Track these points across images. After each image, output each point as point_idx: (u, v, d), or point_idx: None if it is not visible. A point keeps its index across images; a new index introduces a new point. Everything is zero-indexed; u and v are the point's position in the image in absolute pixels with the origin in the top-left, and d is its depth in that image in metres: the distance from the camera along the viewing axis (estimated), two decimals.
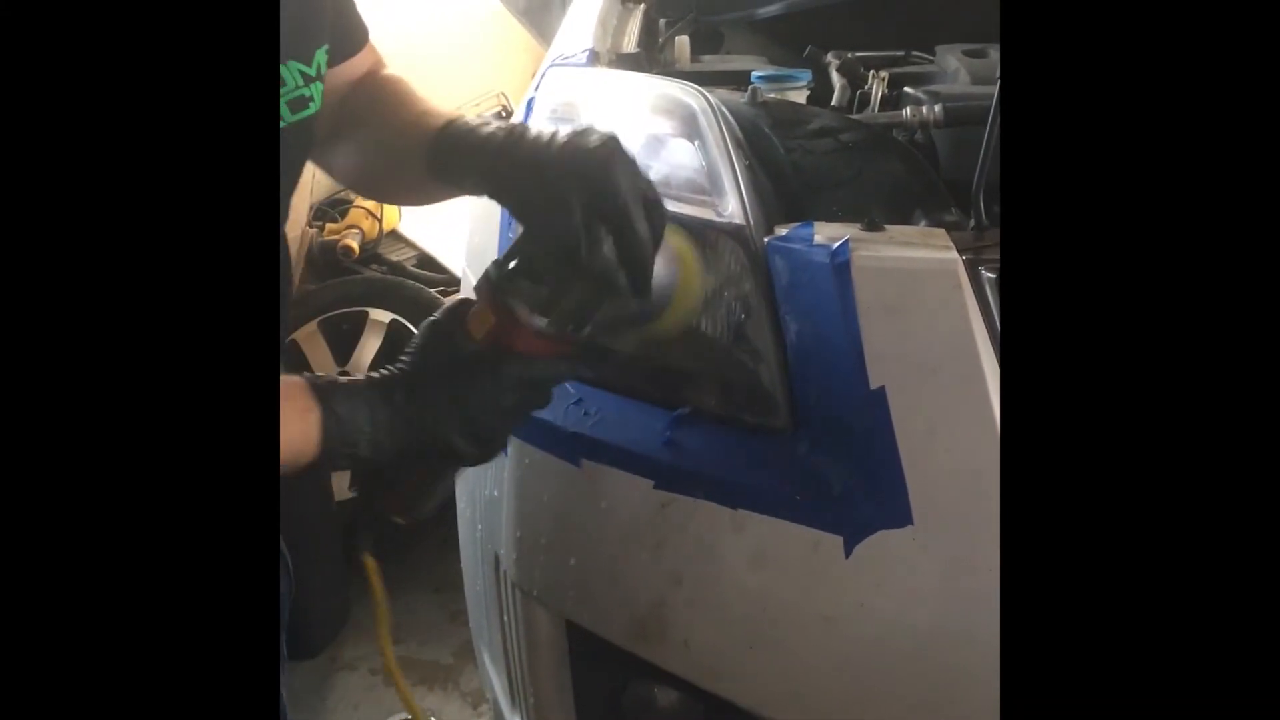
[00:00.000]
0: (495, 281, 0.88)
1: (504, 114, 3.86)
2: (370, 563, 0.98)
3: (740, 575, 1.00)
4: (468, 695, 2.14)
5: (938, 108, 1.29)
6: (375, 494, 0.93)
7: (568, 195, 0.82)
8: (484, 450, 0.90)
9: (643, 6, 1.78)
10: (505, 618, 1.22)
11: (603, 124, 0.89)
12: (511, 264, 0.89)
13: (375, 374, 0.88)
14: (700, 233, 1.04)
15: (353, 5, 1.04)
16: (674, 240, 0.94)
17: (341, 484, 2.28)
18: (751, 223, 1.06)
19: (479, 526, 1.30)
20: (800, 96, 1.44)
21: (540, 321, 0.87)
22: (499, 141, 0.89)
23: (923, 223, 1.10)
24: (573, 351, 0.90)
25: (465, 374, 0.87)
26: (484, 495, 1.25)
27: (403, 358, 0.90)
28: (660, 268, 0.90)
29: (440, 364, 0.88)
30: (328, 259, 2.81)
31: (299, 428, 0.82)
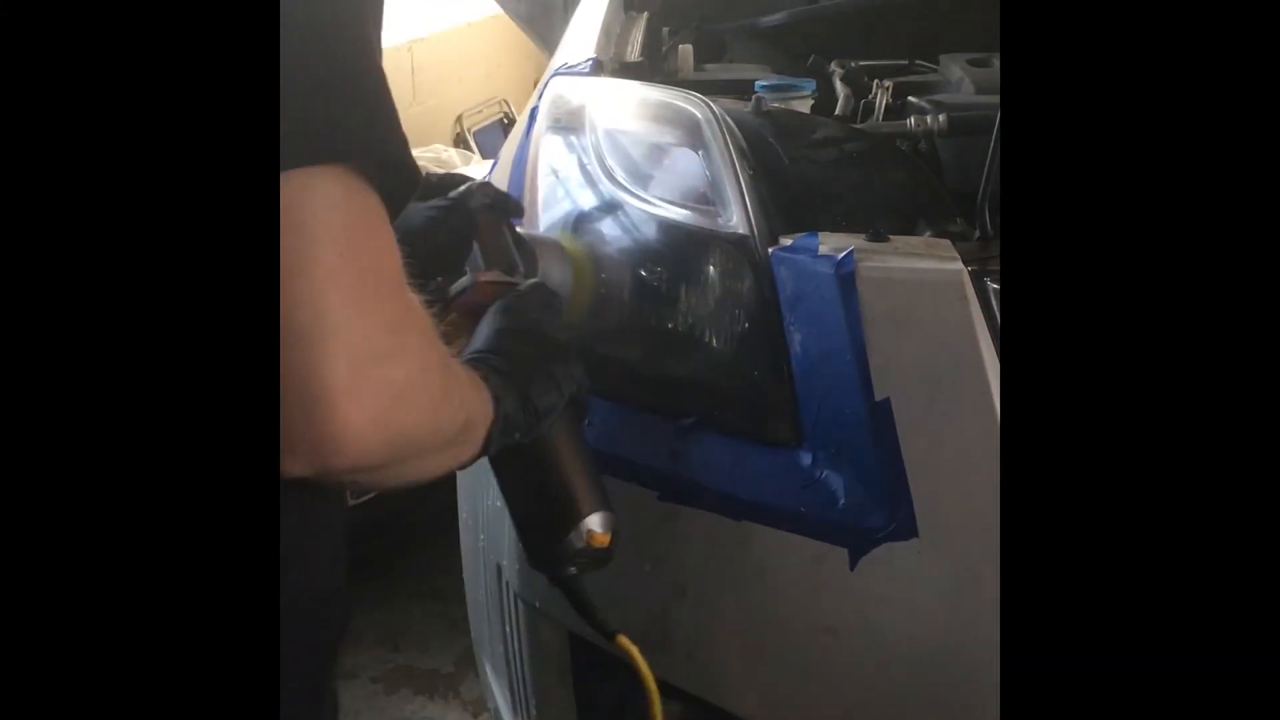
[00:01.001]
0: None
1: (506, 120, 3.86)
2: (628, 644, 0.93)
3: (744, 587, 1.00)
4: (469, 704, 2.14)
5: (942, 117, 1.29)
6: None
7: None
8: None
9: (646, 15, 1.78)
10: (508, 628, 1.22)
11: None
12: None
13: (496, 360, 0.87)
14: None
15: None
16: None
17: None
18: (756, 233, 1.05)
19: (481, 536, 1.29)
20: (804, 106, 1.43)
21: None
22: None
23: (927, 233, 1.10)
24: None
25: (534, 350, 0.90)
26: (487, 505, 1.25)
27: (491, 345, 0.89)
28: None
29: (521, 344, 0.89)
30: None
31: (481, 402, 0.81)
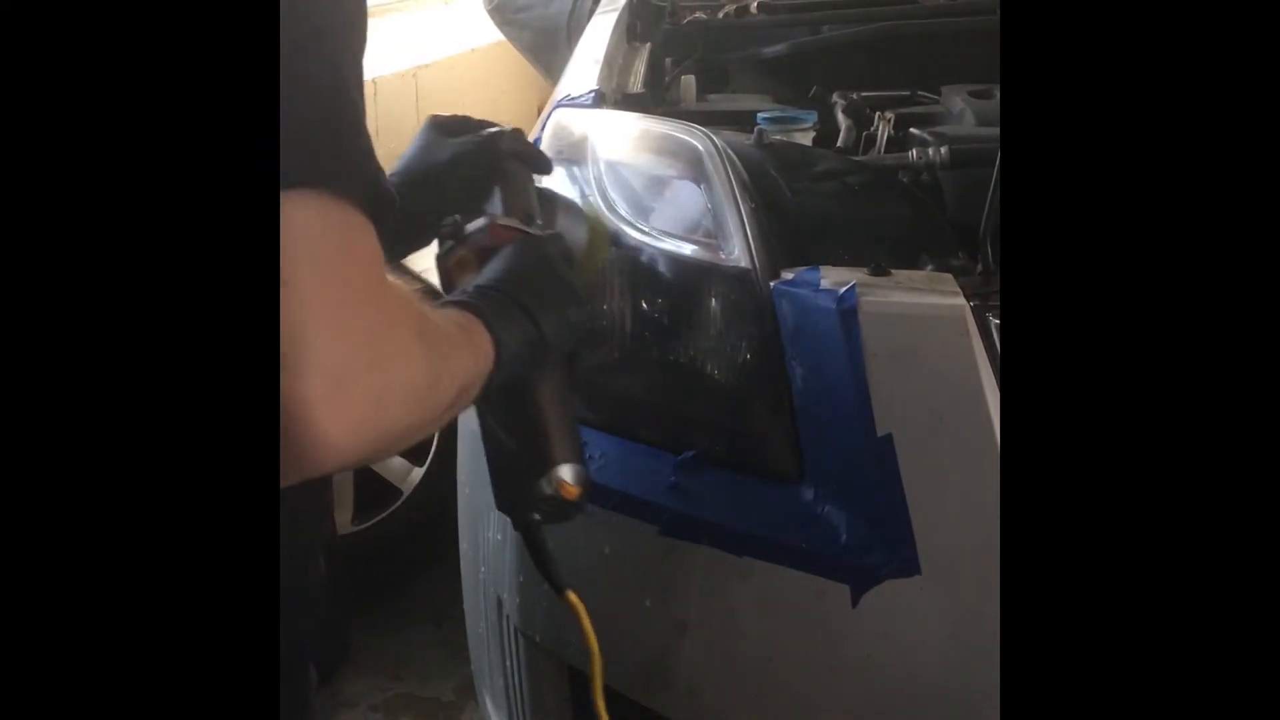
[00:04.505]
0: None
1: None
2: (576, 601, 0.93)
3: (746, 623, 0.99)
4: None
5: (944, 149, 1.29)
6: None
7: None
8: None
9: (649, 45, 1.79)
10: (508, 663, 1.21)
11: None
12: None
13: (496, 291, 0.87)
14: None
15: None
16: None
17: (344, 518, 2.27)
18: (757, 266, 1.05)
19: (482, 569, 1.29)
20: (806, 138, 1.44)
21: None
22: None
23: (929, 267, 1.10)
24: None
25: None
26: (487, 538, 1.25)
27: (504, 276, 0.89)
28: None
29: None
30: None
31: (476, 362, 0.81)
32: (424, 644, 2.34)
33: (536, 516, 0.93)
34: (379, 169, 0.71)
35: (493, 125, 1.08)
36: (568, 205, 1.08)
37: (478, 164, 1.02)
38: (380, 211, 0.70)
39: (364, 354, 0.67)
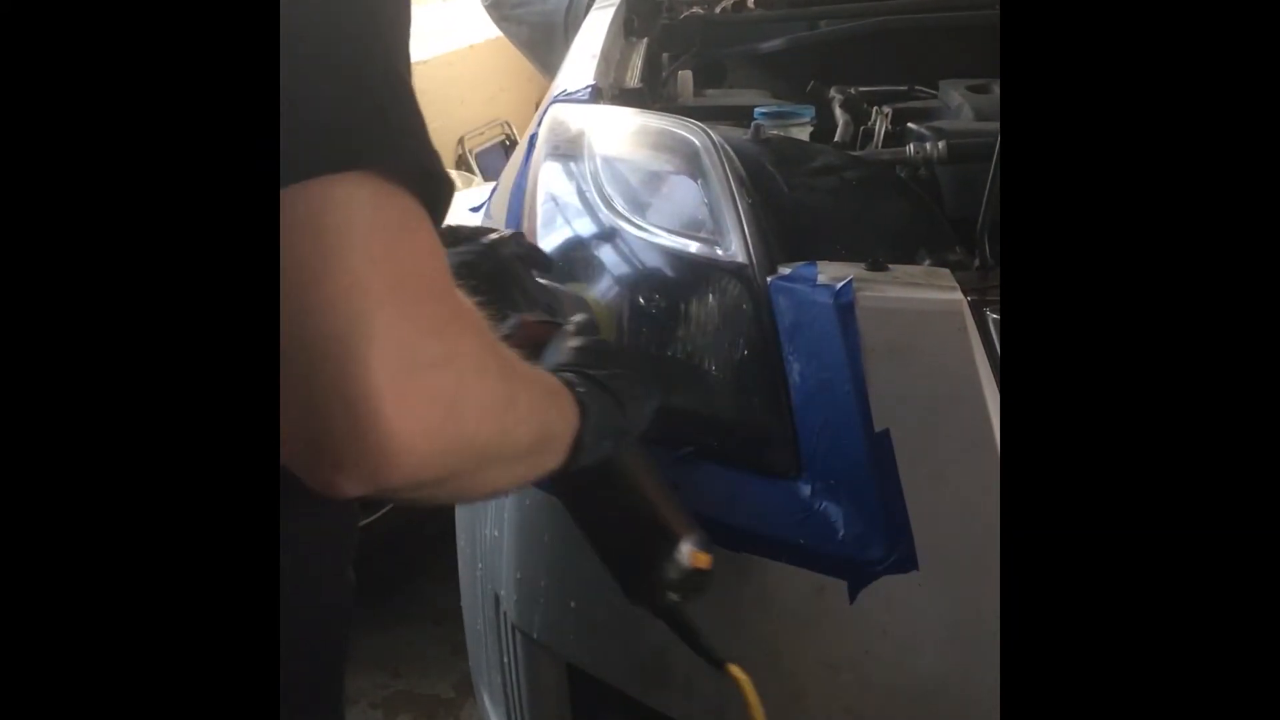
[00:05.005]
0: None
1: (507, 143, 3.87)
2: (738, 673, 0.89)
3: (743, 619, 0.99)
4: None
5: (941, 144, 1.29)
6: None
7: None
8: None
9: (646, 40, 1.78)
10: (505, 659, 1.21)
11: None
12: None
13: (569, 369, 0.85)
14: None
15: None
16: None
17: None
18: (755, 262, 1.05)
19: (479, 566, 1.28)
20: (803, 133, 1.43)
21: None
22: None
23: (927, 262, 1.09)
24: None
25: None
26: (484, 534, 1.24)
27: (575, 358, 0.87)
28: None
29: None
30: None
31: (560, 414, 0.78)
32: (423, 641, 2.34)
33: (674, 597, 0.90)
34: (436, 154, 0.66)
35: (484, 230, 1.08)
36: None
37: (485, 270, 1.01)
38: (438, 199, 0.65)
39: (434, 346, 0.61)
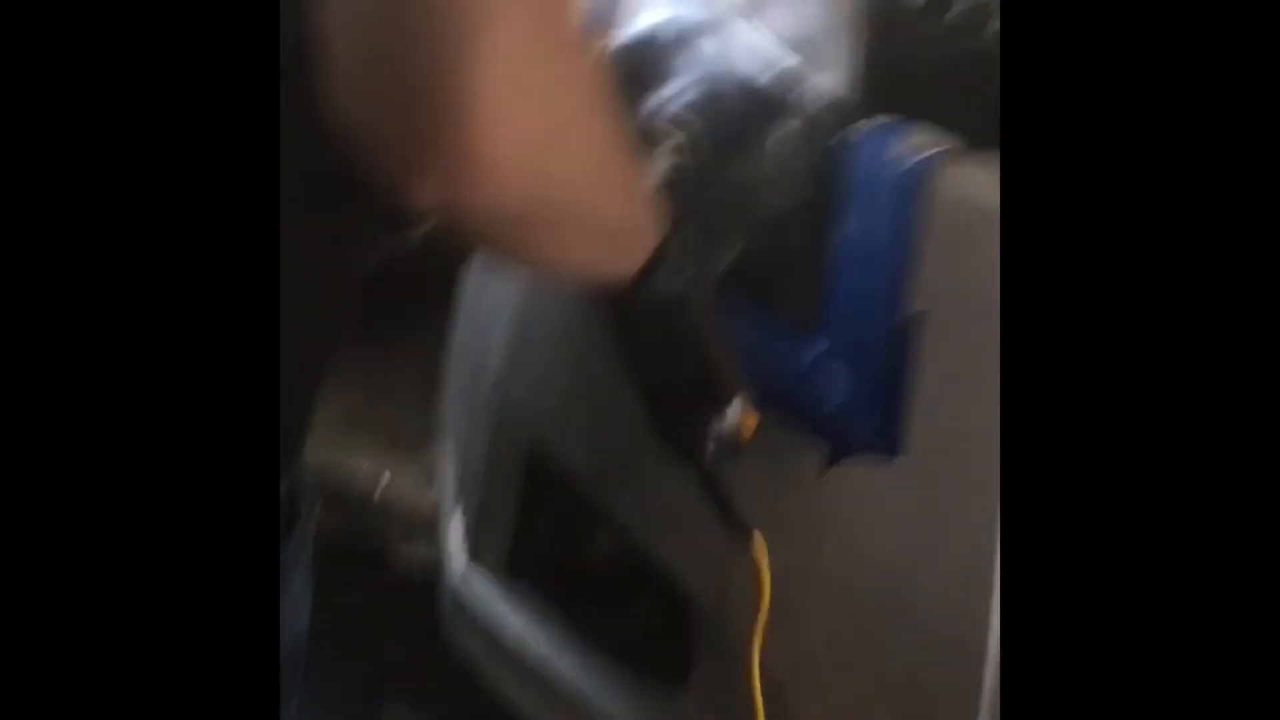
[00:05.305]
0: None
1: None
2: (760, 550, 0.87)
3: None
4: None
5: None
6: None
7: None
8: None
9: None
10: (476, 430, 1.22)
11: None
12: None
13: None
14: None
15: None
16: None
17: None
18: (844, 103, 0.99)
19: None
20: None
21: None
22: None
23: None
24: None
25: None
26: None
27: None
28: None
29: None
30: None
31: (644, 237, 0.79)
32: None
33: (714, 448, 0.86)
34: None
35: None
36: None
37: None
38: None
39: (543, 73, 0.59)
